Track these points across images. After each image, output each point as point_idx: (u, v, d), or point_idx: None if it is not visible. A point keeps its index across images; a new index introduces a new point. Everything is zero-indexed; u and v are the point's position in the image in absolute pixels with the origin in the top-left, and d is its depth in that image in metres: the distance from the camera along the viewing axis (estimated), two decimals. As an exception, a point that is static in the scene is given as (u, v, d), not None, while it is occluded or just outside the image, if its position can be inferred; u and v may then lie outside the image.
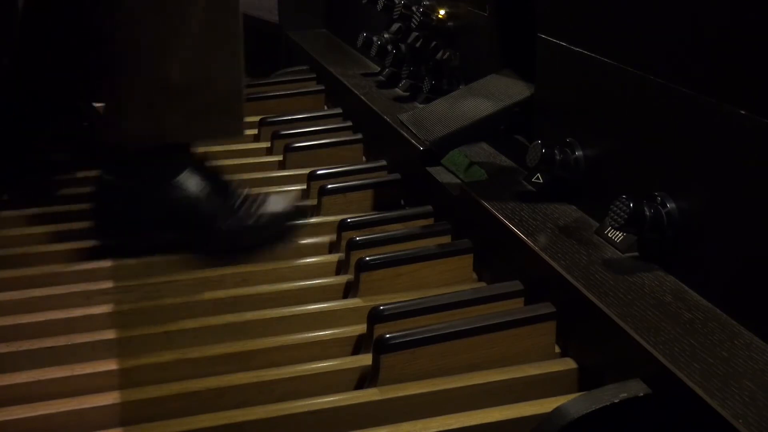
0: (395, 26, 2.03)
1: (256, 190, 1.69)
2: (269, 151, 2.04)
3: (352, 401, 1.12)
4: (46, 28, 1.66)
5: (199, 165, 1.52)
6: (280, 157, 1.97)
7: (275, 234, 1.52)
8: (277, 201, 1.54)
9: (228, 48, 1.50)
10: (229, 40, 1.50)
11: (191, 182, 1.48)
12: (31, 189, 1.78)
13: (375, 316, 1.24)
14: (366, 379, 1.19)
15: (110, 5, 1.42)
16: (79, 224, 1.59)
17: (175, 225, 1.49)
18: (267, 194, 1.56)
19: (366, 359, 1.20)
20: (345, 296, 1.45)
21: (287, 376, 1.18)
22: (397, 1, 1.94)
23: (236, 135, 1.56)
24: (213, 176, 1.52)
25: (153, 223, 1.49)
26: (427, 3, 1.89)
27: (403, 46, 2.03)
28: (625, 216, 1.15)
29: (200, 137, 1.54)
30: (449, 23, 1.85)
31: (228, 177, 1.54)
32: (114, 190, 1.49)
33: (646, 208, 1.15)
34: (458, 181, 1.57)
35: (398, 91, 2.06)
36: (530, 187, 1.47)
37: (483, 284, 1.43)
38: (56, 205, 1.71)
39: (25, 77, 1.73)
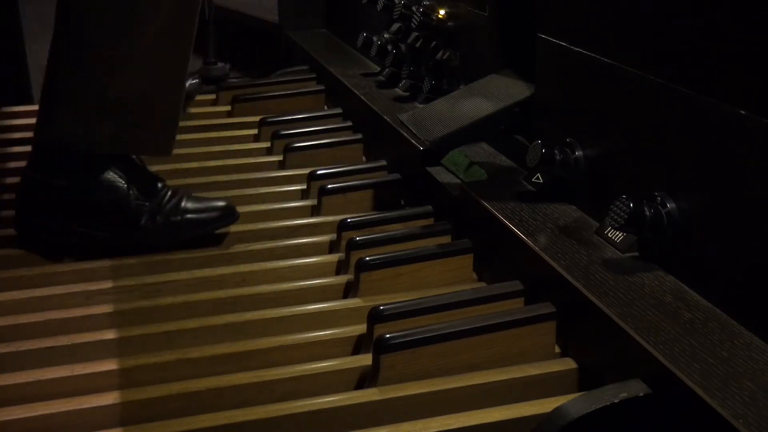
0: (395, 26, 2.03)
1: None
2: (269, 151, 2.04)
3: (352, 401, 1.12)
4: None
5: (126, 164, 1.54)
6: (280, 157, 1.97)
7: (195, 233, 1.56)
8: (201, 203, 1.57)
9: (172, 75, 1.54)
10: (175, 68, 1.54)
11: (117, 181, 1.51)
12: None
13: (375, 316, 1.24)
14: (366, 379, 1.19)
15: (67, 20, 1.47)
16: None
17: (99, 223, 1.51)
18: (190, 194, 1.59)
19: (366, 359, 1.20)
20: (345, 296, 1.45)
21: (287, 376, 1.18)
22: (397, 1, 1.94)
23: (165, 154, 1.60)
24: (139, 175, 1.55)
25: (77, 221, 1.51)
26: (427, 3, 1.89)
27: (403, 46, 2.03)
28: (625, 216, 1.15)
29: (128, 150, 1.56)
30: (449, 23, 1.85)
31: (152, 175, 1.58)
32: (39, 187, 1.51)
33: (646, 208, 1.15)
34: (458, 181, 1.57)
35: (398, 91, 2.06)
36: (530, 187, 1.47)
37: (483, 284, 1.43)
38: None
39: None
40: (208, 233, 1.57)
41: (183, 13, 1.51)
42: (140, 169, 1.57)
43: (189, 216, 1.54)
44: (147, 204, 1.52)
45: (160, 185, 1.56)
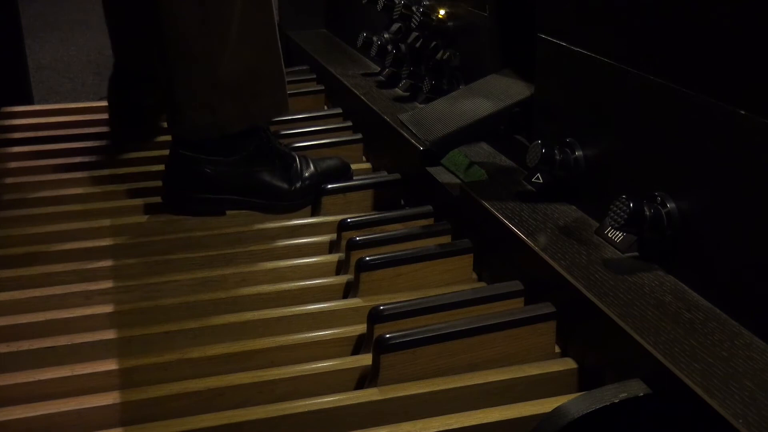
0: (395, 26, 2.03)
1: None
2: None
3: (352, 401, 1.12)
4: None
5: (258, 139, 1.70)
6: (280, 157, 1.97)
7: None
8: (322, 164, 1.77)
9: (264, 41, 1.68)
10: (266, 33, 1.68)
11: (257, 157, 1.69)
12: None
13: (375, 316, 1.24)
14: (366, 379, 1.19)
15: (164, 26, 1.60)
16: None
17: (250, 193, 1.69)
18: (309, 158, 1.77)
19: (366, 359, 1.20)
20: (345, 296, 1.45)
21: (287, 376, 1.18)
22: (397, 1, 1.94)
23: (285, 111, 1.78)
24: (273, 148, 1.72)
25: (227, 191, 1.68)
26: (427, 3, 1.89)
27: (403, 46, 2.03)
28: (625, 216, 1.15)
29: (256, 121, 1.70)
30: (449, 23, 1.85)
31: (281, 147, 1.75)
32: (191, 163, 1.66)
33: (646, 208, 1.15)
34: (458, 181, 1.57)
35: (398, 91, 2.06)
36: (530, 187, 1.47)
37: (483, 284, 1.43)
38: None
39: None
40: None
41: None
42: (272, 141, 1.73)
43: (317, 179, 1.74)
44: (285, 174, 1.71)
45: (291, 154, 1.75)
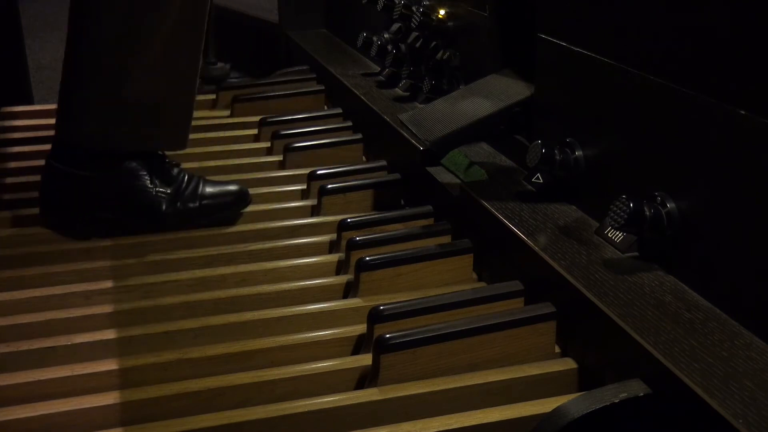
0: (395, 26, 2.03)
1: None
2: (269, 151, 2.04)
3: (352, 401, 1.12)
4: None
5: (146, 155, 1.63)
6: (280, 157, 1.97)
7: (211, 218, 1.66)
8: (216, 188, 1.67)
9: (184, 74, 1.63)
10: (186, 68, 1.63)
11: (138, 171, 1.61)
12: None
13: (375, 316, 1.24)
14: (366, 379, 1.19)
15: (80, 28, 1.55)
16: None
17: (122, 210, 1.61)
18: (205, 180, 1.68)
19: (366, 359, 1.20)
20: (345, 296, 1.45)
21: (287, 376, 1.18)
22: (397, 1, 1.94)
23: (180, 148, 1.69)
24: (158, 164, 1.64)
25: (101, 208, 1.60)
26: (427, 3, 1.89)
27: (403, 46, 2.03)
28: (625, 216, 1.15)
29: (146, 147, 1.63)
30: (449, 23, 1.85)
31: (169, 163, 1.67)
32: (63, 176, 1.60)
33: (646, 208, 1.15)
34: (458, 181, 1.57)
35: (398, 91, 2.06)
36: (530, 187, 1.47)
37: (483, 284, 1.43)
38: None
39: None
40: (223, 218, 1.67)
41: (192, 16, 1.58)
42: (159, 157, 1.65)
43: (206, 202, 1.64)
44: (167, 191, 1.62)
45: (176, 171, 1.65)
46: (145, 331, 1.30)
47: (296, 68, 2.56)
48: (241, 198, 1.68)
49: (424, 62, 1.96)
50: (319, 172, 1.80)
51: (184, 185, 1.64)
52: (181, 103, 1.65)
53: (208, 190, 1.65)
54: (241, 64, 2.95)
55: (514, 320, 1.21)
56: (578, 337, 1.19)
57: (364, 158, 2.00)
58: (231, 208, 1.67)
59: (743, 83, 1.01)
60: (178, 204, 1.62)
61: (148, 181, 1.61)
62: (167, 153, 1.69)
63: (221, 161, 1.96)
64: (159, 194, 1.61)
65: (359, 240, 1.49)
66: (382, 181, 1.78)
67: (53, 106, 2.38)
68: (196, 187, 1.65)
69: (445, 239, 1.52)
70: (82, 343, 1.27)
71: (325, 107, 2.34)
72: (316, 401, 1.11)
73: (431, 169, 1.63)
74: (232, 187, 1.67)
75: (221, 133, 2.15)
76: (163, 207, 1.61)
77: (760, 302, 1.02)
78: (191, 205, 1.63)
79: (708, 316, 1.07)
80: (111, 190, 1.59)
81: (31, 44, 2.68)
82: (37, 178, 1.88)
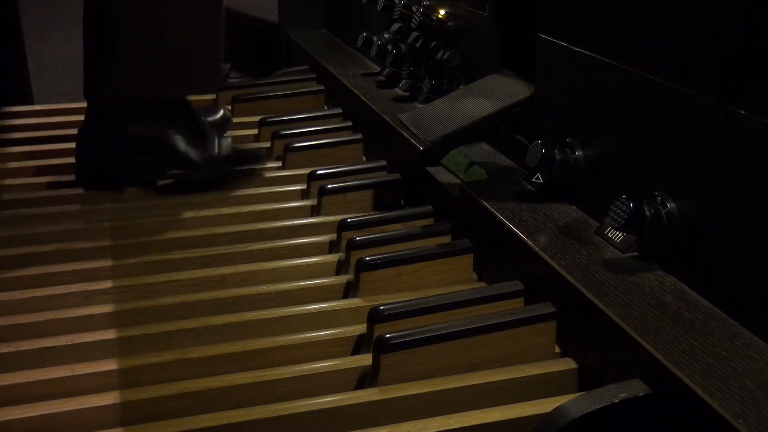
0: (395, 26, 2.03)
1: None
2: (269, 151, 2.04)
3: (352, 401, 1.12)
4: None
5: (182, 110, 1.79)
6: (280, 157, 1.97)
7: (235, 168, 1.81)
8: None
9: (211, 18, 1.77)
10: (211, 17, 1.77)
11: (177, 126, 1.75)
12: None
13: (375, 316, 1.24)
14: (366, 379, 1.19)
15: None
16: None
17: (158, 156, 1.75)
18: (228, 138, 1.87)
19: (366, 359, 1.20)
20: (345, 296, 1.45)
21: (287, 376, 1.18)
22: (397, 1, 1.94)
23: (212, 91, 1.95)
24: (194, 120, 1.79)
25: (139, 157, 1.75)
26: (427, 3, 1.89)
27: (403, 46, 2.03)
28: (625, 216, 1.15)
29: (180, 92, 1.79)
30: (449, 23, 1.85)
31: (198, 114, 1.81)
32: (108, 133, 1.74)
33: (646, 208, 1.15)
34: (458, 181, 1.57)
35: (398, 91, 2.06)
36: (530, 187, 1.47)
37: (483, 284, 1.43)
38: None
39: None
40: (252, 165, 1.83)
41: None
42: (189, 110, 1.80)
43: (231, 152, 1.80)
44: (199, 136, 1.76)
45: (208, 127, 1.81)
46: (145, 331, 1.30)
47: (296, 68, 2.56)
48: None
49: (424, 62, 1.96)
50: (319, 172, 1.80)
51: (211, 137, 1.79)
52: (211, 50, 1.79)
53: (231, 144, 1.82)
54: (241, 64, 2.96)
55: (514, 320, 1.21)
56: (578, 337, 1.19)
57: (364, 158, 2.00)
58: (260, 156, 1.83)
59: (743, 83, 1.01)
60: (210, 148, 1.77)
61: (182, 128, 1.74)
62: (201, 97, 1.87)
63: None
64: (192, 140, 1.75)
65: (359, 240, 1.49)
66: (382, 181, 1.78)
67: (53, 106, 2.40)
68: (221, 139, 1.81)
69: (445, 239, 1.52)
70: (82, 343, 1.27)
71: (325, 107, 2.34)
72: (316, 401, 1.11)
73: (431, 169, 1.63)
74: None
75: (221, 133, 2.15)
76: (197, 152, 1.75)
77: (760, 302, 1.02)
78: (223, 151, 1.78)
79: (708, 316, 1.07)
80: (147, 138, 1.73)
81: (31, 44, 2.68)
82: (37, 178, 1.89)
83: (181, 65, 1.75)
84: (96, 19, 1.72)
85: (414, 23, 1.87)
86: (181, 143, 1.73)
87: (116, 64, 1.72)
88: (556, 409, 1.02)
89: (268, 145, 2.06)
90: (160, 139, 1.73)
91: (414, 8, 1.88)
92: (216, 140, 1.79)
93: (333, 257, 1.54)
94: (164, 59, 1.72)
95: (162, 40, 1.70)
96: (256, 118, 2.17)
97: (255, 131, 2.15)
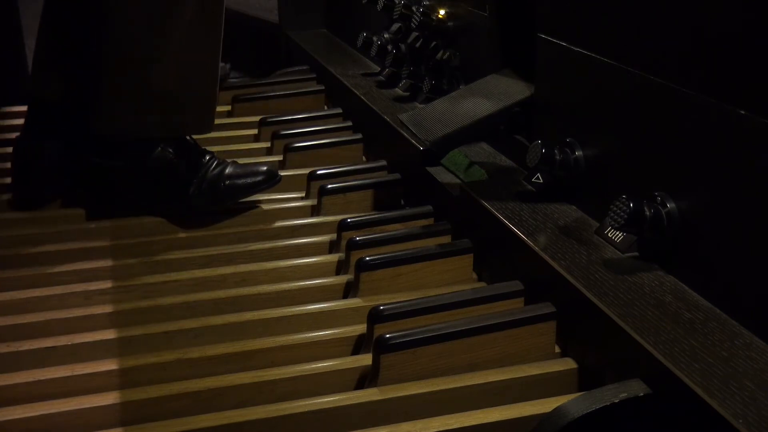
0: (395, 26, 2.03)
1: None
2: (269, 151, 2.04)
3: (352, 401, 1.12)
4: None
5: (176, 142, 1.70)
6: (280, 157, 1.97)
7: (239, 197, 1.71)
8: (243, 169, 1.71)
9: (206, 60, 1.68)
10: (208, 53, 1.68)
11: (167, 157, 1.67)
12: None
13: (375, 316, 1.24)
14: (366, 379, 1.19)
15: (103, 23, 1.61)
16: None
17: (153, 194, 1.68)
18: (234, 162, 1.73)
19: (366, 359, 1.20)
20: (345, 296, 1.45)
21: (287, 376, 1.18)
22: (397, 1, 1.94)
23: (207, 131, 1.75)
24: (188, 150, 1.70)
25: (134, 193, 1.69)
26: (427, 3, 1.89)
27: (403, 46, 2.03)
28: (625, 216, 1.15)
29: (175, 132, 1.69)
30: (449, 23, 1.85)
31: (200, 150, 1.72)
32: (100, 169, 1.69)
33: (646, 208, 1.15)
34: (458, 181, 1.57)
35: (398, 91, 2.06)
36: (530, 187, 1.47)
37: (483, 284, 1.43)
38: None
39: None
40: (252, 195, 1.71)
41: (210, 3, 1.63)
42: (190, 145, 1.71)
43: (230, 182, 1.68)
44: (194, 174, 1.67)
45: (207, 157, 1.70)
46: (145, 331, 1.30)
47: (296, 68, 2.56)
48: (270, 177, 1.71)
49: (424, 62, 1.96)
50: (319, 172, 1.80)
51: (212, 168, 1.68)
52: (205, 88, 1.70)
53: (236, 170, 1.69)
54: (241, 64, 2.95)
55: (514, 320, 1.21)
56: (578, 337, 1.19)
57: (364, 158, 2.00)
58: (258, 187, 1.70)
59: (743, 83, 1.01)
60: (204, 185, 1.66)
61: (176, 166, 1.66)
62: (195, 137, 1.76)
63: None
64: (187, 177, 1.66)
65: (359, 240, 1.49)
66: (382, 181, 1.78)
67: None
68: (224, 168, 1.69)
69: (445, 239, 1.52)
70: (82, 343, 1.27)
71: (325, 107, 2.34)
72: (316, 401, 1.11)
73: (431, 169, 1.63)
74: (261, 168, 1.72)
75: (221, 133, 2.14)
76: (191, 189, 1.66)
77: (760, 302, 1.02)
78: (217, 185, 1.67)
79: (708, 316, 1.07)
80: (141, 176, 1.66)
81: (31, 44, 2.68)
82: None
83: (174, 106, 1.67)
84: (88, 57, 1.65)
85: (414, 23, 1.87)
86: (176, 180, 1.66)
87: (109, 102, 1.65)
88: (556, 409, 1.02)
89: (268, 145, 2.06)
90: (154, 179, 1.67)
91: (414, 8, 1.88)
92: (216, 170, 1.69)
93: (333, 257, 1.54)
94: (155, 100, 1.65)
95: (153, 80, 1.62)
96: (256, 118, 2.17)
97: (255, 131, 2.15)
